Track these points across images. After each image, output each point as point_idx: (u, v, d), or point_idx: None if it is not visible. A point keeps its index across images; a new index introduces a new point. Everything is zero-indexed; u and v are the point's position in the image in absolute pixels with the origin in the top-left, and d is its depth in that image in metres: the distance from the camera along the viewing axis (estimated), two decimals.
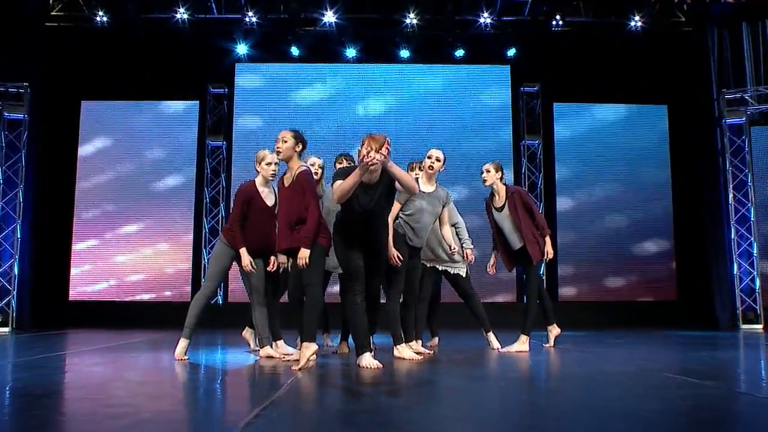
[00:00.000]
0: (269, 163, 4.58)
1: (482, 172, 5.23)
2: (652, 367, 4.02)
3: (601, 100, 10.67)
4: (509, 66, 10.63)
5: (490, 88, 10.63)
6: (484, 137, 10.49)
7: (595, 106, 10.71)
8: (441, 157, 4.88)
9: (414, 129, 10.43)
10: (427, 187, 4.83)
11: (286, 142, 4.20)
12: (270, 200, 4.58)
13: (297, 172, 4.18)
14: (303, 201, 4.10)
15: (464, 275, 5.44)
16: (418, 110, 10.52)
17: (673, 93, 10.53)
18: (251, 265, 4.46)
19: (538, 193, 10.46)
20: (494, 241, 5.38)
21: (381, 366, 3.86)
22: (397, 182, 3.91)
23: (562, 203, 10.47)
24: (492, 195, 5.31)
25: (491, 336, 5.45)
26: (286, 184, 4.24)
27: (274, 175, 4.58)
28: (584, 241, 10.41)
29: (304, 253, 3.97)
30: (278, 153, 4.20)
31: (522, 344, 5.13)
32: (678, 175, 10.47)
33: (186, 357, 4.45)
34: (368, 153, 3.71)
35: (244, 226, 4.53)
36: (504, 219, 5.19)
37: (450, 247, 5.04)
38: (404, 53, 10.41)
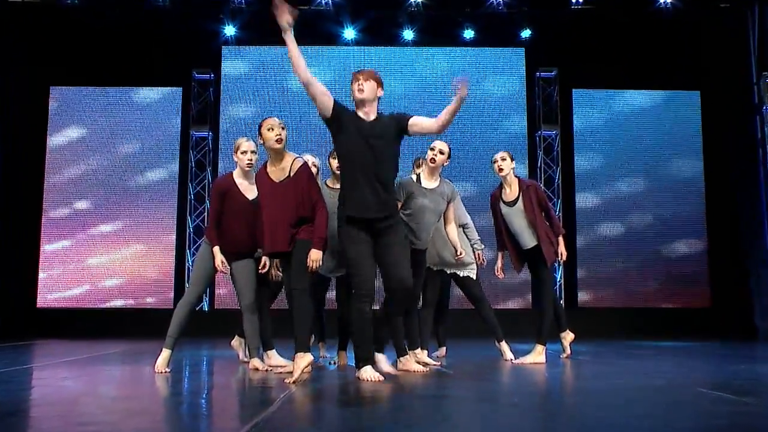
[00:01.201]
0: (245, 152, 4.56)
1: (495, 161, 5.21)
2: (682, 381, 4.02)
3: (626, 86, 10.65)
4: (524, 49, 10.63)
5: (502, 73, 10.62)
6: (495, 127, 10.49)
7: (618, 92, 10.70)
8: (445, 149, 4.86)
9: None
10: (429, 182, 4.80)
11: (284, 129, 4.20)
12: (251, 194, 4.53)
13: (297, 167, 4.14)
14: (306, 199, 4.08)
15: (474, 278, 5.43)
16: (423, 97, 10.50)
17: (706, 77, 10.51)
18: (222, 265, 4.47)
19: (556, 188, 10.46)
20: (500, 240, 5.36)
21: (382, 378, 3.86)
22: (441, 118, 3.93)
23: (582, 199, 10.46)
24: (501, 187, 5.28)
25: (504, 346, 5.45)
26: (276, 179, 4.16)
27: (251, 165, 4.56)
28: (606, 241, 10.40)
29: (317, 255, 4.01)
30: (279, 141, 4.15)
31: (537, 355, 5.13)
32: (712, 169, 10.45)
33: (168, 369, 4.45)
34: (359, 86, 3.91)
35: (222, 224, 4.53)
36: (516, 214, 5.16)
37: (456, 250, 5.03)
38: (408, 35, 10.40)
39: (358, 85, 3.94)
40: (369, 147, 3.87)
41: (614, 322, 9.83)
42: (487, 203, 5.39)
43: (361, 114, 3.96)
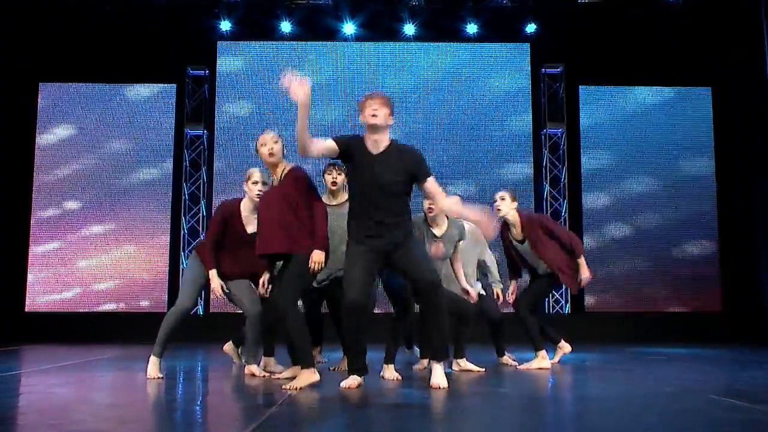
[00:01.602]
0: (256, 182, 4.52)
1: (495, 200, 5.23)
2: (693, 387, 4.01)
3: (634, 83, 10.65)
4: (528, 44, 10.61)
5: (506, 69, 10.61)
6: (499, 125, 10.47)
7: (626, 89, 10.69)
8: None
9: (420, 116, 10.42)
10: (437, 229, 4.76)
11: (276, 142, 4.25)
12: (252, 227, 4.55)
13: (288, 169, 4.20)
14: (293, 201, 4.10)
15: (484, 293, 5.45)
16: (425, 95, 10.50)
17: (718, 73, 10.49)
18: (221, 289, 4.48)
19: (562, 188, 10.45)
20: (510, 267, 5.47)
21: (359, 384, 3.87)
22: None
23: (589, 200, 10.45)
24: (506, 225, 5.31)
25: (505, 359, 5.57)
26: (273, 184, 4.28)
27: (260, 197, 4.49)
28: (614, 242, 10.39)
29: (319, 256, 4.02)
30: (271, 155, 4.20)
31: (541, 360, 5.16)
32: (724, 168, 10.44)
33: (161, 375, 4.45)
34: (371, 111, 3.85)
35: (219, 247, 4.54)
36: (528, 252, 5.26)
37: (462, 288, 4.96)
38: (409, 30, 10.40)
39: (372, 109, 3.86)
40: (375, 180, 3.84)
41: (622, 326, 9.82)
42: (490, 203, 5.37)
43: (369, 143, 3.90)
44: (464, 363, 5.06)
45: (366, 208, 3.88)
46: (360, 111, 3.91)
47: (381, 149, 3.90)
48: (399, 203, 3.91)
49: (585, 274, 5.19)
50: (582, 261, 5.20)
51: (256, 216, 4.52)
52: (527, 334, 5.21)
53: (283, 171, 4.23)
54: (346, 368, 4.07)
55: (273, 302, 4.25)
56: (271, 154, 4.21)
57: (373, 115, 3.84)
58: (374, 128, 3.87)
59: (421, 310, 3.99)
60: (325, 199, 5.03)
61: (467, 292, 4.85)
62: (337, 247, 4.66)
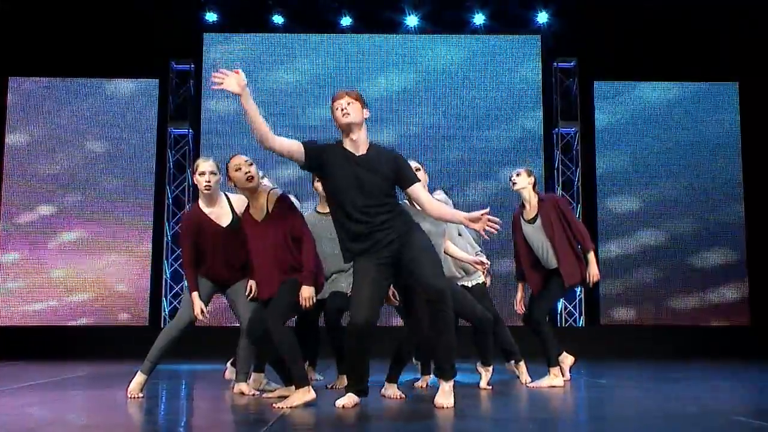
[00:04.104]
0: (203, 173, 4.43)
1: (511, 176, 5.36)
2: (719, 408, 4.01)
3: (654, 78, 10.66)
4: (539, 36, 10.64)
5: (515, 63, 10.64)
6: (507, 124, 10.49)
7: (645, 84, 10.71)
8: (420, 167, 4.90)
9: (423, 114, 10.44)
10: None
11: (252, 165, 4.24)
12: (225, 220, 4.49)
13: (274, 198, 4.23)
14: (291, 233, 4.14)
15: (484, 282, 5.44)
16: (428, 91, 10.52)
17: (745, 66, 10.48)
18: (202, 314, 4.48)
19: (575, 191, 10.46)
20: (519, 269, 5.43)
21: (356, 404, 3.87)
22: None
23: (605, 205, 10.46)
24: (522, 206, 5.38)
25: (522, 367, 5.51)
26: (258, 218, 4.25)
27: (209, 188, 4.43)
28: (632, 251, 10.39)
29: (308, 292, 4.09)
30: (251, 179, 4.21)
31: (553, 378, 5.16)
32: (752, 171, 10.43)
33: (141, 395, 4.45)
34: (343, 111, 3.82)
35: (203, 261, 4.51)
36: (536, 233, 5.26)
37: (470, 261, 5.03)
38: (411, 21, 10.42)
39: (341, 108, 3.85)
40: (359, 182, 3.81)
41: (640, 341, 9.80)
42: (498, 208, 5.44)
43: (348, 145, 3.89)
44: (489, 371, 5.10)
45: (357, 216, 3.82)
46: (333, 117, 3.90)
47: (362, 150, 3.89)
48: (389, 203, 3.89)
49: (594, 270, 5.20)
50: (592, 257, 5.22)
51: (222, 208, 4.50)
52: (541, 345, 5.20)
53: (267, 199, 4.24)
54: (344, 386, 4.09)
55: (262, 317, 4.28)
56: (249, 179, 4.19)
57: (345, 114, 3.83)
58: (350, 127, 3.86)
59: (429, 323, 3.95)
60: (319, 208, 5.24)
61: (479, 262, 4.95)
62: (331, 251, 4.78)
